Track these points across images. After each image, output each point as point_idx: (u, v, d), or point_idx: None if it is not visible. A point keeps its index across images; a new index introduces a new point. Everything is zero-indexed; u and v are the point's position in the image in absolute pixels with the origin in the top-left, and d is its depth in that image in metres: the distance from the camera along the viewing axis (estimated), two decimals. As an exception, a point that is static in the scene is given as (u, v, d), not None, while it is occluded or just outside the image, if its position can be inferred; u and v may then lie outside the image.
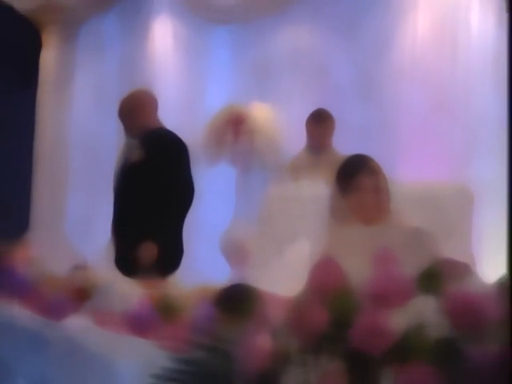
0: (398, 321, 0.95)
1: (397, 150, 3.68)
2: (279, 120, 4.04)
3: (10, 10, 4.80)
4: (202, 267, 3.56)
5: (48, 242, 4.08)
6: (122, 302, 1.52)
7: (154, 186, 2.83)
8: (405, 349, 0.92)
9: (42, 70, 5.12)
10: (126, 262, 2.67)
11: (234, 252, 3.16)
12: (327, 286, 1.03)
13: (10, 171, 4.91)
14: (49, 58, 5.10)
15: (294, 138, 3.83)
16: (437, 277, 1.02)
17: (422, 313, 0.95)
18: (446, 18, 3.71)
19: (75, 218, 4.85)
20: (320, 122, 3.71)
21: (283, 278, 2.11)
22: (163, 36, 4.62)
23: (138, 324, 1.35)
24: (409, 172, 3.44)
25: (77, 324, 1.47)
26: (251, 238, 3.15)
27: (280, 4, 4.27)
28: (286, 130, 3.93)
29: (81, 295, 1.65)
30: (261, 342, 1.03)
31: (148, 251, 2.75)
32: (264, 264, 2.55)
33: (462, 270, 1.04)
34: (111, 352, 1.34)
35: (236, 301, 1.27)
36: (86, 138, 4.90)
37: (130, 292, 1.64)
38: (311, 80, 4.12)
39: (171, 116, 4.11)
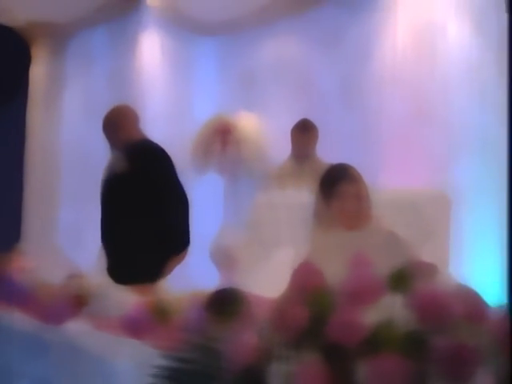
0: (370, 316, 1.05)
1: (379, 157, 3.77)
2: (265, 129, 4.14)
3: (0, 25, 4.87)
4: (192, 273, 3.63)
5: (40, 251, 4.12)
6: (117, 307, 1.61)
7: (141, 196, 2.91)
8: (376, 341, 1.02)
9: (32, 83, 5.18)
10: (117, 270, 2.74)
11: (223, 258, 3.24)
12: (307, 287, 1.13)
13: (1, 183, 4.96)
14: (38, 71, 5.17)
15: (279, 146, 3.92)
16: (406, 277, 1.13)
17: (392, 309, 1.05)
18: (425, 29, 3.80)
19: (66, 227, 4.91)
20: (304, 132, 3.82)
21: (269, 282, 2.20)
22: (151, 49, 4.70)
23: (134, 327, 1.44)
24: (391, 177, 3.54)
25: (76, 328, 1.55)
26: (239, 245, 3.22)
27: (265, 17, 4.37)
28: (272, 139, 4.02)
29: (78, 302, 1.73)
30: (247, 339, 1.13)
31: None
32: (251, 269, 2.64)
33: (429, 270, 1.14)
34: (110, 354, 1.42)
35: (224, 303, 1.36)
36: (76, 149, 4.96)
37: (124, 298, 1.72)
38: (296, 90, 4.22)
39: (159, 127, 4.20)
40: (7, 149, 5.08)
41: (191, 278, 2.75)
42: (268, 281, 2.15)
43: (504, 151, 3.17)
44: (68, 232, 4.90)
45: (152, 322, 1.47)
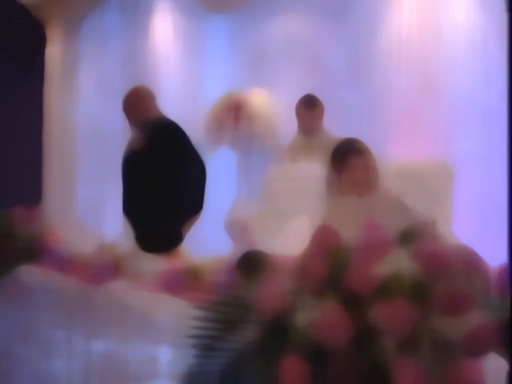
0: (381, 269, 1.23)
1: (386, 130, 3.88)
2: (276, 105, 4.24)
3: (16, 6, 4.97)
4: (207, 247, 3.79)
5: (63, 226, 4.29)
6: (152, 270, 1.79)
7: (161, 169, 3.09)
8: (387, 289, 1.20)
9: (48, 63, 5.29)
10: (144, 240, 2.93)
11: (238, 230, 3.38)
12: (326, 245, 1.31)
13: (20, 163, 5.11)
14: (54, 51, 5.27)
15: (290, 121, 4.00)
16: (411, 235, 1.30)
17: (400, 262, 1.23)
18: (430, 5, 3.89)
19: (85, 203, 5.06)
20: (308, 108, 3.86)
21: (284, 251, 2.38)
22: (163, 27, 4.78)
23: (171, 285, 1.63)
24: (397, 149, 3.65)
25: (118, 286, 1.74)
26: (254, 216, 3.37)
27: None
28: (283, 114, 4.11)
29: (115, 266, 1.91)
30: (273, 290, 1.31)
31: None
32: (266, 240, 2.81)
33: (429, 226, 1.31)
34: (151, 308, 1.61)
35: (252, 262, 1.54)
36: (92, 127, 5.07)
37: (156, 261, 1.90)
38: (305, 65, 4.28)
39: (173, 105, 4.31)
40: (26, 128, 5.22)
41: (205, 251, 2.87)
42: (283, 250, 2.33)
43: (506, 123, 3.31)
44: (87, 207, 5.05)
45: (187, 280, 1.65)
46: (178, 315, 1.55)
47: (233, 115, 4.23)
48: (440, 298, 1.20)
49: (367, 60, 4.03)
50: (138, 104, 3.26)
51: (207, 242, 3.82)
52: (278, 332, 1.27)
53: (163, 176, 3.11)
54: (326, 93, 3.99)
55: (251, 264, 1.54)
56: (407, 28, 3.93)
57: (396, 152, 3.66)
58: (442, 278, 1.20)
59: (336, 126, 3.77)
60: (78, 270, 1.97)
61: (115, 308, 1.70)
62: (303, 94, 4.01)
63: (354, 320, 1.19)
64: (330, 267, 1.24)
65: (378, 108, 3.94)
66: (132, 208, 3.24)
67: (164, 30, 4.81)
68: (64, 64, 5.21)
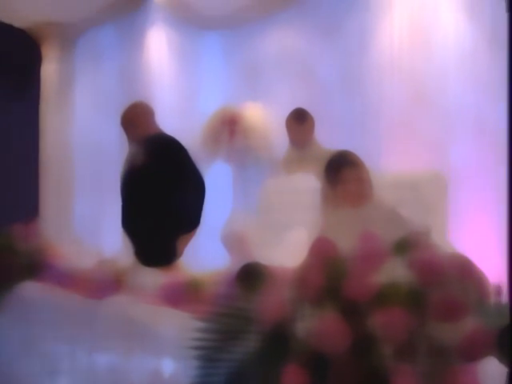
0: (378, 277, 1.26)
1: (379, 142, 3.91)
2: (270, 118, 4.28)
3: (10, 26, 5.01)
4: (204, 261, 3.80)
5: (61, 243, 4.30)
6: (152, 284, 1.81)
7: (160, 185, 3.11)
8: (384, 297, 1.23)
9: (43, 82, 5.32)
10: (143, 255, 2.95)
11: (235, 243, 3.38)
12: (323, 256, 1.35)
13: (16, 181, 5.12)
14: (49, 70, 5.29)
15: (284, 134, 4.02)
16: (406, 244, 1.34)
17: (395, 271, 1.26)
18: (420, 17, 3.94)
19: (82, 219, 5.07)
20: (298, 122, 3.87)
21: (281, 262, 2.40)
22: (158, 44, 4.81)
23: (172, 297, 1.66)
24: (391, 161, 3.68)
25: (120, 300, 1.77)
26: (250, 229, 3.38)
27: (266, 9, 4.48)
28: (277, 127, 4.13)
29: (116, 280, 1.94)
30: (273, 301, 1.34)
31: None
32: (263, 252, 2.83)
33: (423, 235, 1.35)
34: (153, 321, 1.64)
35: (251, 275, 1.57)
36: (89, 143, 5.09)
37: (157, 275, 1.93)
38: (298, 79, 4.30)
39: (169, 120, 4.31)
40: (22, 145, 5.24)
41: (204, 264, 2.89)
42: (281, 261, 2.35)
43: (498, 132, 3.35)
44: (84, 223, 5.06)
45: (187, 293, 1.68)
46: (180, 327, 1.58)
47: (228, 129, 4.27)
48: (435, 305, 1.23)
49: (359, 73, 4.06)
50: (137, 119, 3.30)
51: (204, 255, 3.83)
52: (279, 341, 1.30)
53: (162, 191, 3.13)
54: (318, 106, 4.04)
55: (251, 276, 1.57)
56: (398, 40, 3.96)
57: (389, 163, 3.69)
58: (436, 285, 1.24)
59: (329, 139, 3.80)
60: (78, 285, 2.00)
61: (117, 322, 1.72)
62: (296, 106, 4.03)
63: (353, 328, 1.22)
64: (328, 277, 1.27)
65: (371, 120, 3.96)
66: (131, 223, 3.26)
67: (159, 47, 4.85)
68: (60, 82, 5.25)
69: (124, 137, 3.35)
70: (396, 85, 3.90)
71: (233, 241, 3.45)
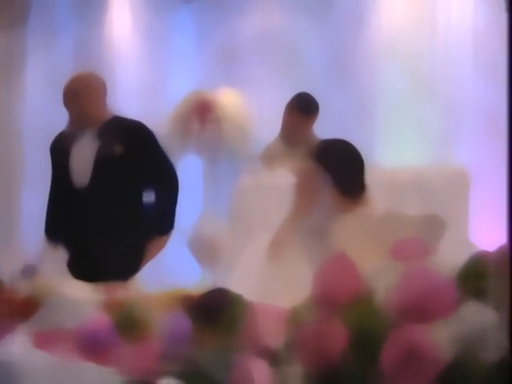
0: (442, 339, 0.71)
1: (374, 134, 3.61)
2: (248, 107, 3.89)
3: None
4: (169, 268, 3.42)
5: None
6: (74, 315, 1.25)
7: (132, 179, 2.70)
8: (455, 379, 0.68)
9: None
10: (83, 264, 2.45)
11: (205, 249, 3.04)
12: (340, 293, 0.78)
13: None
14: None
15: (265, 125, 3.68)
16: (477, 273, 0.79)
17: (474, 326, 0.71)
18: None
19: (31, 216, 4.64)
20: (304, 112, 3.30)
21: (261, 274, 1.94)
22: (121, 17, 4.46)
23: (94, 345, 1.08)
24: (388, 156, 3.38)
25: (14, 347, 1.17)
26: (222, 234, 3.00)
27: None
28: (257, 117, 3.80)
29: (24, 308, 1.37)
30: (255, 371, 0.78)
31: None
32: (237, 260, 2.41)
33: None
34: (57, 382, 1.06)
35: (218, 310, 1.02)
36: (40, 128, 4.67)
37: (85, 301, 1.37)
38: (282, 63, 4.01)
39: (132, 105, 3.98)
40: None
41: (167, 273, 2.52)
42: (260, 273, 1.92)
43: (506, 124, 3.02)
44: (33, 221, 4.61)
45: (117, 336, 1.11)
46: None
47: (199, 118, 3.86)
48: None
49: (352, 56, 3.77)
50: (85, 96, 2.71)
51: (169, 266, 3.44)
52: None
53: (131, 187, 2.70)
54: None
55: (219, 311, 1.01)
56: (398, 19, 3.65)
57: (385, 157, 3.36)
58: None
59: (319, 130, 3.39)
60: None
61: (5, 379, 1.13)
62: (279, 94, 3.77)
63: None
64: (352, 336, 0.71)
65: (364, 110, 3.67)
66: (77, 224, 2.73)
67: (122, 21, 4.48)
68: (8, 59, 4.83)
69: (68, 120, 2.80)
70: (394, 71, 3.61)
71: (202, 248, 3.12)
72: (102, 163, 2.71)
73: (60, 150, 2.89)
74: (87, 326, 1.10)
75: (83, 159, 2.75)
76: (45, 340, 1.12)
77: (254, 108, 3.85)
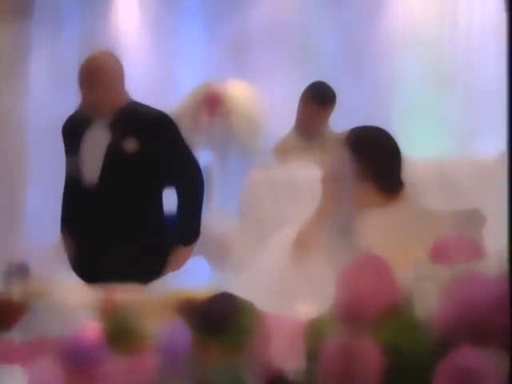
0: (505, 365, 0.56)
1: (393, 126, 3.48)
2: (259, 99, 3.81)
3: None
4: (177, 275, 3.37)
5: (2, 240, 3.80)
6: (62, 323, 1.11)
7: (154, 179, 2.51)
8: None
9: (-5, 50, 4.83)
10: (92, 263, 2.36)
11: (213, 248, 2.98)
12: (371, 304, 0.63)
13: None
14: (1, 38, 4.81)
15: (276, 118, 3.60)
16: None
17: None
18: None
19: (35, 213, 4.59)
20: (321, 103, 3.15)
21: (272, 274, 1.83)
22: (128, 10, 4.41)
23: (81, 358, 0.93)
24: (407, 148, 3.26)
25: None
26: (232, 231, 2.85)
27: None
28: (268, 110, 3.72)
29: (8, 313, 1.23)
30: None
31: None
32: (249, 259, 2.30)
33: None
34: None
35: (222, 319, 0.88)
36: (45, 123, 4.62)
37: (76, 307, 1.23)
38: (294, 53, 3.94)
39: (139, 97, 3.90)
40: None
41: (174, 274, 2.43)
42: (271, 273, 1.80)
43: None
44: (37, 218, 4.56)
45: (109, 348, 0.97)
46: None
47: (208, 110, 3.80)
48: None
49: (368, 46, 3.68)
50: (100, 78, 2.48)
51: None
52: None
53: (148, 187, 2.50)
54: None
55: (225, 321, 0.87)
56: (417, 7, 3.56)
57: (403, 150, 3.23)
58: None
59: (334, 124, 3.26)
60: None
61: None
62: (291, 86, 3.71)
63: None
64: (389, 360, 0.56)
65: (382, 101, 3.58)
66: (94, 222, 2.53)
67: (129, 13, 4.42)
68: (12, 51, 4.83)
69: (80, 103, 2.63)
70: (413, 61, 3.51)
71: (211, 247, 3.03)
72: (112, 160, 2.51)
73: (72, 133, 2.67)
74: (75, 336, 0.96)
75: (93, 154, 2.55)
76: (24, 353, 0.98)
77: (265, 100, 3.78)
